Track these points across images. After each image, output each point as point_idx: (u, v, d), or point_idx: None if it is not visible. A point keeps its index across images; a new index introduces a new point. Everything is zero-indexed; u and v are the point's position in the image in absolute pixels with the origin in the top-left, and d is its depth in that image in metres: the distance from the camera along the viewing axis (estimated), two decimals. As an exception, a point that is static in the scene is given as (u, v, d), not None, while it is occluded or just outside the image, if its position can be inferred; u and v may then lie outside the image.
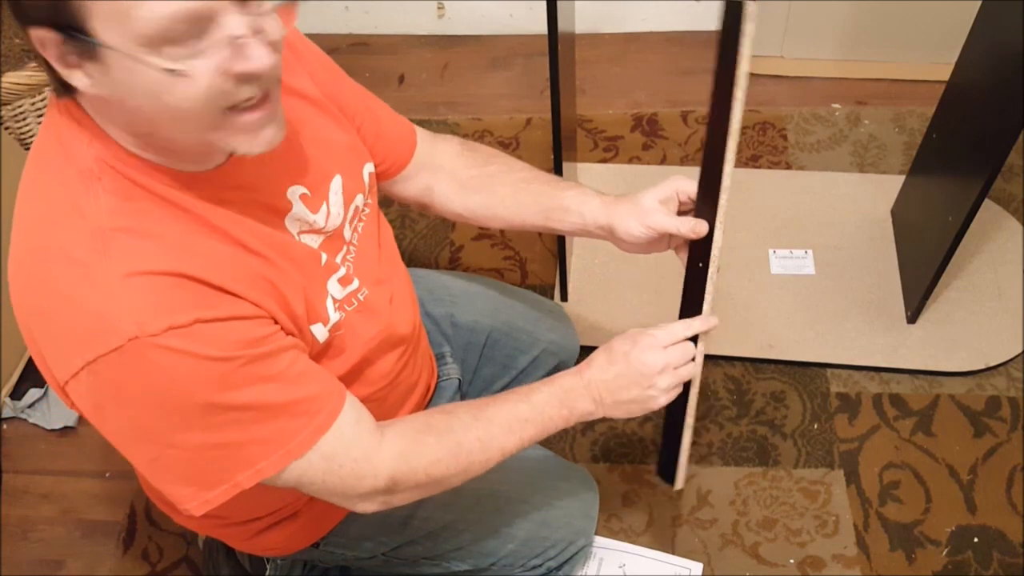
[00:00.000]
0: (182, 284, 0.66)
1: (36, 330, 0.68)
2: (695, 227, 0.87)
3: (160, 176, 0.68)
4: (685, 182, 0.92)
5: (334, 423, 0.75)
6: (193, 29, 0.58)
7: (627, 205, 0.94)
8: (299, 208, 0.79)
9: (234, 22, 0.60)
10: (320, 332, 0.80)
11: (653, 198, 0.93)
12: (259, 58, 0.61)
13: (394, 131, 0.98)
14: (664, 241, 0.93)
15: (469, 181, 1.02)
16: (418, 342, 1.02)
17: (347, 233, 0.86)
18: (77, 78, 0.62)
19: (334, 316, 0.82)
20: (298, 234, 0.79)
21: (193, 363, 0.66)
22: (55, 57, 0.62)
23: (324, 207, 0.82)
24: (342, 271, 0.85)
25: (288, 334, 0.74)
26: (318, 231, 0.82)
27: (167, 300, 0.65)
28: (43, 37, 0.60)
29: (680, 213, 0.92)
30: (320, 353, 0.81)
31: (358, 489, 0.78)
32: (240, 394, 0.69)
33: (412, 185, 1.01)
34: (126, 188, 0.67)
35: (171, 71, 0.59)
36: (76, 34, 0.59)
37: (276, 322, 0.73)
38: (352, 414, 0.77)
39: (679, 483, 1.04)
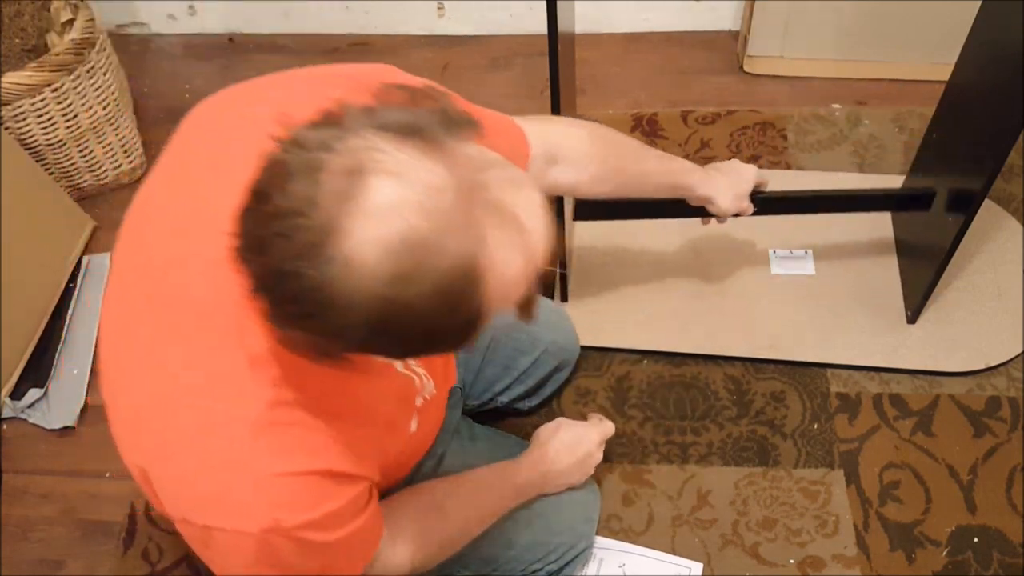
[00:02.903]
0: (322, 482, 0.69)
1: (160, 472, 0.70)
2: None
3: (319, 363, 0.67)
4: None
5: (375, 552, 0.80)
6: None
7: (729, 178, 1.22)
8: None
9: None
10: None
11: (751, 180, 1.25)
12: None
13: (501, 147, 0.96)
14: None
15: (598, 174, 1.04)
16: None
17: None
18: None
19: (413, 428, 0.87)
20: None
21: (309, 548, 0.69)
22: (309, 344, 0.61)
23: None
24: (429, 384, 0.89)
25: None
26: None
27: (307, 499, 0.68)
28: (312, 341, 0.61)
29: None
30: None
31: None
32: (333, 565, 0.74)
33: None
34: (289, 381, 0.67)
35: None
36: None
37: (373, 480, 0.76)
38: (384, 539, 0.82)
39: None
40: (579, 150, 1.01)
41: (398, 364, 0.83)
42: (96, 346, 0.79)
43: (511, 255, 0.57)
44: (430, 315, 0.56)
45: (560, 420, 1.12)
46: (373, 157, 0.54)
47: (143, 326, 0.71)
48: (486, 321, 0.59)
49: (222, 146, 0.74)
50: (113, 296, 0.76)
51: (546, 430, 1.11)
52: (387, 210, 0.53)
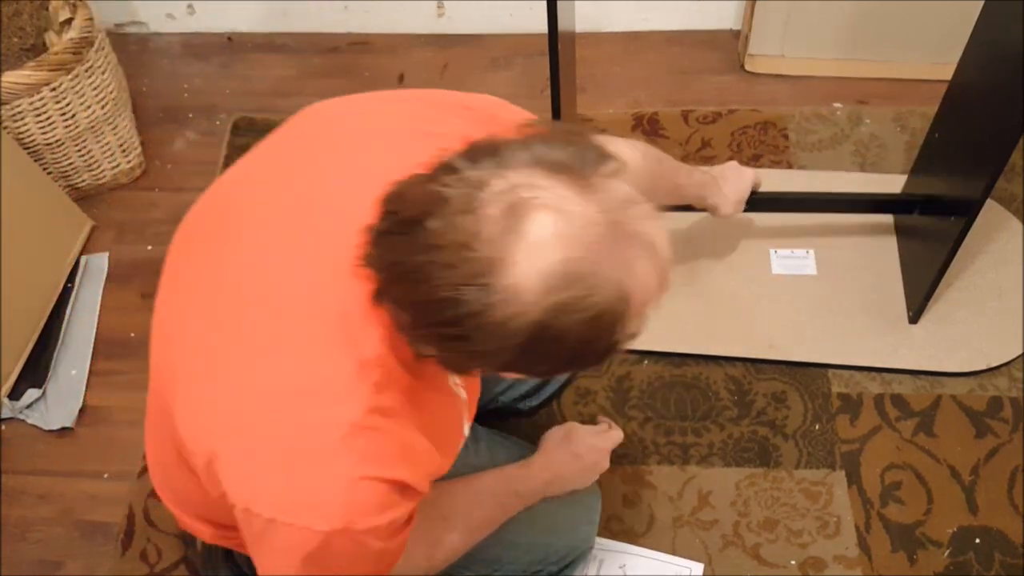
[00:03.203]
0: (394, 491, 0.71)
1: (236, 458, 0.70)
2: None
3: (410, 371, 0.72)
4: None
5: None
6: None
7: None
8: None
9: None
10: None
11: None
12: None
13: None
14: None
15: (644, 190, 1.11)
16: None
17: None
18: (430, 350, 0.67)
19: (460, 448, 0.88)
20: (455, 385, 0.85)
21: (363, 553, 0.71)
22: (446, 361, 0.68)
23: None
24: (466, 410, 0.89)
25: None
26: None
27: (381, 505, 0.70)
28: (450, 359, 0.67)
29: None
30: None
31: None
32: (367, 571, 0.74)
33: None
34: (387, 388, 0.70)
35: None
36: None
37: (423, 496, 0.77)
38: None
39: None
40: (633, 169, 1.07)
41: (451, 381, 0.84)
42: (155, 327, 0.80)
43: (651, 282, 0.62)
44: (581, 339, 0.61)
45: (570, 425, 1.11)
46: (533, 193, 0.58)
47: (236, 316, 0.72)
48: (625, 343, 0.64)
49: (337, 156, 0.77)
50: (185, 282, 0.77)
51: (555, 435, 1.10)
52: (549, 243, 0.58)
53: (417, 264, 0.60)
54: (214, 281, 0.75)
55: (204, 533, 0.96)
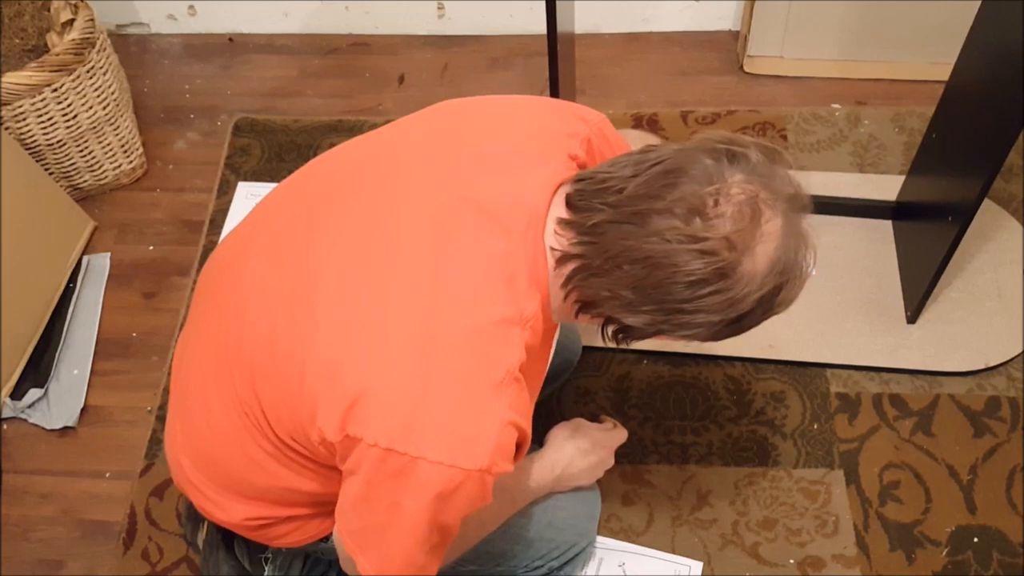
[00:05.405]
0: (520, 441, 0.77)
1: (389, 396, 0.73)
2: None
3: (540, 339, 0.80)
4: None
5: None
6: None
7: None
8: None
9: None
10: None
11: None
12: None
13: None
14: None
15: None
16: None
17: None
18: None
19: None
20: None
21: (481, 498, 0.75)
22: (638, 330, 0.79)
23: None
24: None
25: None
26: None
27: (512, 452, 0.76)
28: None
29: None
30: None
31: None
32: (463, 518, 0.78)
33: None
34: (529, 344, 0.77)
35: None
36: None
37: None
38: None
39: None
40: None
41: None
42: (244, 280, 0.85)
43: (810, 264, 0.76)
44: (768, 311, 0.76)
45: (577, 421, 1.13)
46: (764, 195, 0.72)
47: (396, 262, 0.77)
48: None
49: (493, 132, 0.86)
50: (322, 231, 0.81)
51: (562, 430, 1.11)
52: (775, 236, 0.72)
53: (664, 252, 0.71)
54: (364, 230, 0.79)
55: (236, 513, 0.94)
